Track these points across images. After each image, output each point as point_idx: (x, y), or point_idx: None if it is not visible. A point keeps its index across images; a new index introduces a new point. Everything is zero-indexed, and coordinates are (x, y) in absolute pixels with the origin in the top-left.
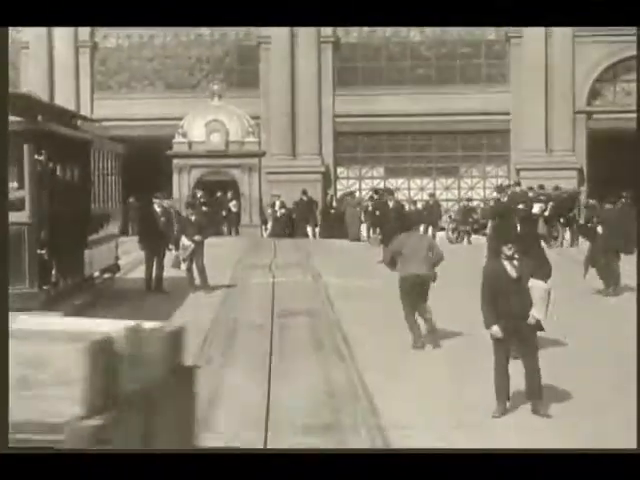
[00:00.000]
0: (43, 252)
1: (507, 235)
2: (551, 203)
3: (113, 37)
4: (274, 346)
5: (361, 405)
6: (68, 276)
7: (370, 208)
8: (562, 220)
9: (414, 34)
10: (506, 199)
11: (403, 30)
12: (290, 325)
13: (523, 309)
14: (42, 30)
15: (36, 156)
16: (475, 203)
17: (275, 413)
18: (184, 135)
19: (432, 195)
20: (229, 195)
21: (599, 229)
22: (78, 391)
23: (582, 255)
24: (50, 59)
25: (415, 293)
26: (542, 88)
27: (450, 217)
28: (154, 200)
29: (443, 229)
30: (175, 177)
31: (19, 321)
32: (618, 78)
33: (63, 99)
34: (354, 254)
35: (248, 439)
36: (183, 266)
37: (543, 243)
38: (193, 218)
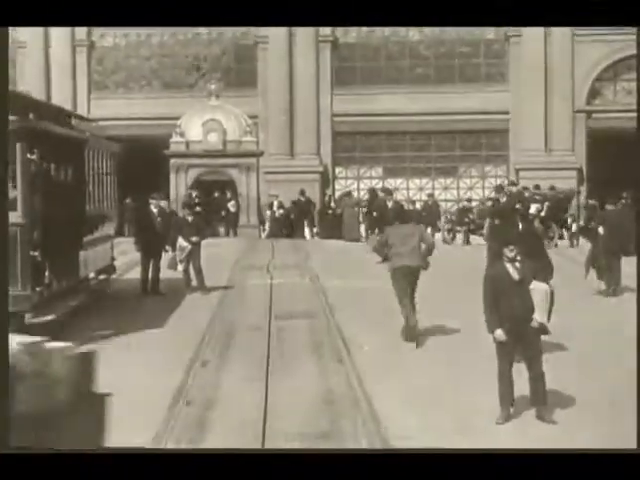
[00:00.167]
0: (36, 254)
1: (508, 236)
2: (547, 203)
3: (110, 36)
4: (272, 348)
5: (361, 410)
6: (62, 277)
7: (367, 209)
8: (559, 220)
9: (413, 33)
10: (505, 199)
11: (402, 29)
12: (288, 327)
13: (526, 312)
14: (39, 29)
15: (29, 155)
16: (474, 204)
17: (272, 419)
18: (181, 134)
19: (431, 195)
20: (228, 195)
21: (600, 230)
22: None
23: (582, 256)
24: (47, 58)
25: (406, 282)
26: (541, 87)
27: (447, 217)
28: (151, 201)
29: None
30: (172, 177)
31: None
32: (619, 77)
33: (60, 98)
34: (353, 255)
35: (245, 444)
36: (180, 267)
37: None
38: (190, 219)
